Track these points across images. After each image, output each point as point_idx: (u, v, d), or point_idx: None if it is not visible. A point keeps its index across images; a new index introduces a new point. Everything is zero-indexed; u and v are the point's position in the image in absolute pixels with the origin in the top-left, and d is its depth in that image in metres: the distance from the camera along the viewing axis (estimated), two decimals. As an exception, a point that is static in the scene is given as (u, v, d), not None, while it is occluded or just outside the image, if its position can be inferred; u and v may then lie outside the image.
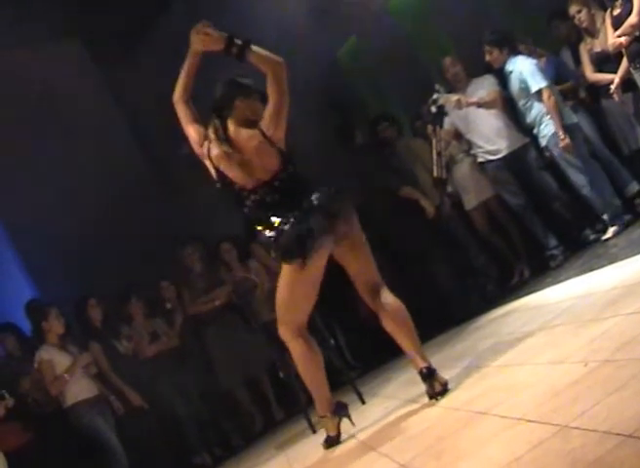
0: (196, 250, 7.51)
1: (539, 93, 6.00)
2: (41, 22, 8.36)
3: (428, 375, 3.65)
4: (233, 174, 3.77)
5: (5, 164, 8.59)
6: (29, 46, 8.92)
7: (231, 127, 3.80)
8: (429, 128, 6.32)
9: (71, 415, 6.24)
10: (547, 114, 6.00)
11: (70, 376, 6.26)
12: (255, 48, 3.64)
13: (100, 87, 9.88)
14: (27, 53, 8.98)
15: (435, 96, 6.11)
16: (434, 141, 6.18)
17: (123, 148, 9.60)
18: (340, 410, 3.99)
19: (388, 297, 3.80)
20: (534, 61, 6.09)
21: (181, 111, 3.89)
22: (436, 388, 3.60)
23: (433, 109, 6.14)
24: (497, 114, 6.39)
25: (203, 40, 3.70)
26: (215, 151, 3.77)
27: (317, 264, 3.74)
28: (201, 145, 3.82)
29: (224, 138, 3.75)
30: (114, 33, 9.19)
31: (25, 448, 5.95)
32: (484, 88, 6.43)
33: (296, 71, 8.17)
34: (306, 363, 3.92)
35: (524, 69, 6.06)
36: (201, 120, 3.88)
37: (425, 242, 6.89)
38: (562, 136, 5.88)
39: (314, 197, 3.64)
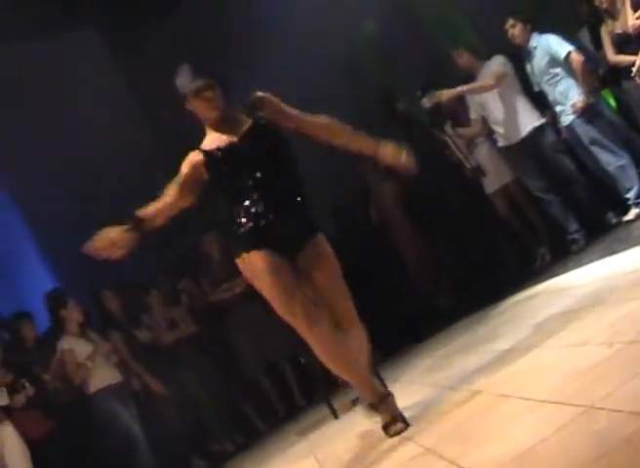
0: (216, 238, 7.50)
1: (568, 62, 5.93)
2: (57, 10, 8.37)
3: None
4: None
5: (23, 152, 8.62)
6: (45, 33, 8.94)
7: None
8: (435, 131, 6.32)
9: (94, 402, 6.26)
10: (576, 87, 5.93)
11: (92, 364, 6.29)
12: None
13: (116, 74, 9.90)
14: (43, 40, 9.01)
15: (422, 102, 6.11)
16: (449, 141, 6.15)
17: (139, 135, 9.61)
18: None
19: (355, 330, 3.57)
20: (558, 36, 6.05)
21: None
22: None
23: (427, 106, 6.14)
24: (510, 98, 6.31)
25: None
26: None
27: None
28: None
29: None
30: (130, 21, 9.20)
31: (47, 437, 5.98)
32: (490, 70, 6.36)
33: (313, 53, 8.10)
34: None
35: (550, 40, 6.01)
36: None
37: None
38: (584, 99, 5.84)
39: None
